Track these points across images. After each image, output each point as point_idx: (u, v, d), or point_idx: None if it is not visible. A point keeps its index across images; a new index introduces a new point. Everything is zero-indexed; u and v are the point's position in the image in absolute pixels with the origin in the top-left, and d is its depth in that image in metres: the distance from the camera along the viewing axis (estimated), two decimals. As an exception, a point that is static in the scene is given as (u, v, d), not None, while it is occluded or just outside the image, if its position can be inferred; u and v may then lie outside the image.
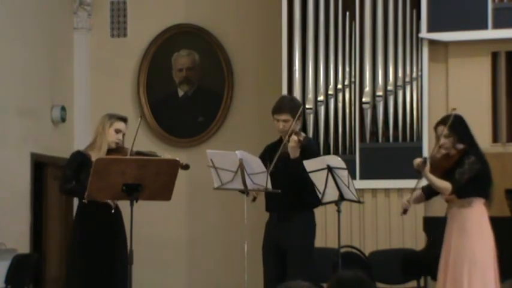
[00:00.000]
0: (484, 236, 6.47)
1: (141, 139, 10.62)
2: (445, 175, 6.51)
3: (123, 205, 6.45)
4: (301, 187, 6.44)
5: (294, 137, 6.37)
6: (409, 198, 6.64)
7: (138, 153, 6.70)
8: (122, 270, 6.65)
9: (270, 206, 6.64)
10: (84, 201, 6.59)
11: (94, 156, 6.65)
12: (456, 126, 6.56)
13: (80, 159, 6.72)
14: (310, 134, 9.08)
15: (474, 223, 6.48)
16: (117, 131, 6.75)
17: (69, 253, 6.84)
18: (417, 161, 6.50)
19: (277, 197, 6.33)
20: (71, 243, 6.83)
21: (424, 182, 6.71)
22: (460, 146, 6.55)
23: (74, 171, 6.74)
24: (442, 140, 6.53)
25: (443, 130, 6.54)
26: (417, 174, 6.57)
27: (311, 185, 6.41)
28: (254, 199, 6.33)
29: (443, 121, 6.66)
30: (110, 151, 6.73)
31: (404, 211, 6.64)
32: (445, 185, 6.46)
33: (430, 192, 6.73)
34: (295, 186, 6.44)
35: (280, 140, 6.62)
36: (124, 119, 6.85)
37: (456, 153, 6.52)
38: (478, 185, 6.48)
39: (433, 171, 6.46)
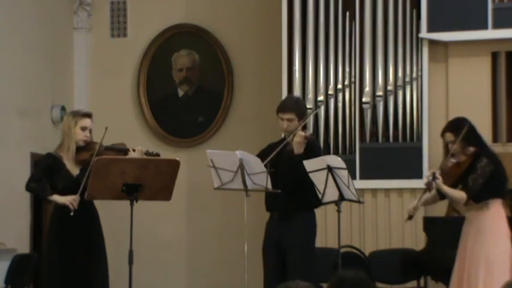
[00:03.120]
0: (500, 237, 6.41)
1: (141, 139, 10.69)
2: (459, 182, 6.46)
3: (123, 205, 6.44)
4: (302, 187, 6.44)
5: (301, 132, 6.38)
6: (415, 204, 6.57)
7: (108, 148, 6.66)
8: (101, 271, 6.67)
9: (271, 205, 6.64)
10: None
11: (65, 157, 6.67)
12: (457, 128, 6.51)
13: (51, 161, 6.70)
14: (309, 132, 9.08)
15: (491, 225, 6.43)
16: (83, 129, 6.68)
17: (47, 253, 6.83)
18: (426, 176, 6.42)
19: (278, 196, 6.33)
20: (47, 244, 6.83)
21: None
22: (471, 150, 6.47)
23: (41, 172, 6.76)
24: (451, 147, 6.47)
25: (451, 137, 6.49)
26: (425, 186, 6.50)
27: (312, 184, 6.41)
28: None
29: (449, 127, 6.61)
30: (79, 149, 6.70)
31: (410, 217, 6.59)
32: (459, 195, 6.40)
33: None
34: (296, 185, 6.44)
35: (283, 140, 6.62)
36: (88, 115, 6.77)
37: (467, 159, 6.45)
38: (493, 186, 6.41)
39: (446, 180, 6.40)
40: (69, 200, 6.48)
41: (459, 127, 6.52)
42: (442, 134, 6.60)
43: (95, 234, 6.73)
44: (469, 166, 6.43)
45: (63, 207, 6.56)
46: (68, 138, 6.68)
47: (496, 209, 6.45)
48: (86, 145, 6.69)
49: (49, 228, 6.85)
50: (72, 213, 6.46)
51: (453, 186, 6.45)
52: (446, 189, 6.40)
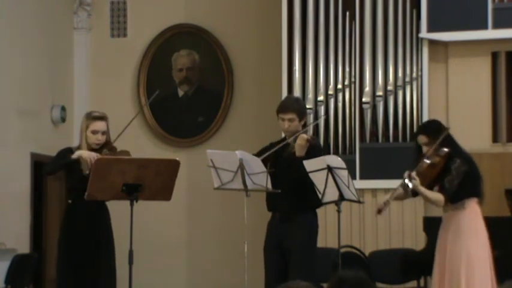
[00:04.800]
0: (478, 236, 6.45)
1: (141, 139, 10.70)
2: (434, 183, 6.48)
3: (123, 205, 6.44)
4: (302, 187, 6.44)
5: (304, 135, 6.37)
6: (386, 199, 6.59)
7: (111, 148, 6.64)
8: (108, 270, 6.67)
9: (272, 205, 6.63)
10: (69, 201, 6.66)
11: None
12: (433, 131, 6.53)
13: (70, 152, 6.70)
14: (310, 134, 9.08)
15: (468, 224, 6.45)
16: (94, 132, 6.67)
17: (58, 252, 6.85)
18: (403, 178, 6.46)
19: (279, 197, 6.33)
20: (58, 242, 6.84)
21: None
22: (444, 151, 6.49)
23: (62, 156, 6.72)
24: (425, 149, 6.51)
25: (424, 139, 6.51)
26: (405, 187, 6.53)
27: (312, 184, 6.41)
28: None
29: (422, 130, 6.64)
30: (93, 151, 6.68)
31: (379, 211, 6.62)
32: (437, 197, 6.42)
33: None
34: (296, 186, 6.44)
35: (284, 139, 6.62)
36: (100, 118, 6.74)
37: (441, 160, 6.47)
38: (468, 186, 6.43)
39: (421, 181, 6.42)
40: (90, 157, 6.46)
41: (432, 129, 6.54)
42: (415, 136, 6.63)
43: (105, 236, 6.72)
44: (443, 167, 6.44)
45: (74, 206, 6.57)
46: (82, 141, 6.70)
47: (472, 208, 6.47)
48: (99, 148, 6.68)
49: (60, 226, 6.84)
50: (87, 172, 6.44)
51: (428, 187, 6.47)
52: (423, 190, 6.41)
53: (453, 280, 6.40)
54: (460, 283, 6.36)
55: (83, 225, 6.61)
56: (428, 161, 6.45)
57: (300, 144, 6.38)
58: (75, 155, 6.55)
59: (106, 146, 6.69)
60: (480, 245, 6.43)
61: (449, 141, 6.53)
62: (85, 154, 6.53)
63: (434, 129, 6.55)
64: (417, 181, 6.37)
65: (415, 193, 6.63)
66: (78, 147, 6.75)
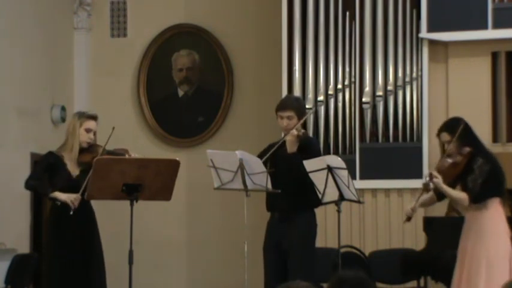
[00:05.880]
0: (500, 237, 6.40)
1: (141, 139, 10.71)
2: (455, 183, 6.46)
3: (123, 205, 6.44)
4: (302, 187, 6.44)
5: (293, 131, 6.38)
6: (413, 205, 6.58)
7: (109, 152, 6.66)
8: (98, 272, 6.68)
9: (271, 205, 6.63)
10: (58, 202, 6.66)
11: (67, 157, 6.69)
12: (453, 128, 6.50)
13: (52, 160, 6.72)
14: (310, 134, 9.08)
15: (490, 226, 6.41)
16: (88, 130, 6.72)
17: (45, 253, 6.85)
18: (424, 177, 6.46)
19: (278, 196, 6.33)
20: (47, 245, 6.85)
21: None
22: (466, 150, 6.47)
23: (42, 170, 6.75)
24: (447, 147, 6.47)
25: (446, 136, 6.49)
26: (425, 186, 6.53)
27: (312, 184, 6.41)
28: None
29: (445, 127, 6.60)
30: (82, 150, 6.71)
31: (408, 219, 6.60)
32: (461, 195, 6.39)
33: (442, 194, 6.64)
34: (296, 185, 6.44)
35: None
36: (94, 117, 6.81)
37: (463, 159, 6.45)
38: (491, 185, 6.39)
39: (443, 180, 6.39)
40: (71, 199, 6.50)
41: (455, 127, 6.52)
42: (438, 134, 6.61)
43: (92, 234, 6.75)
44: (465, 166, 6.42)
45: (61, 207, 6.59)
46: (72, 138, 6.71)
47: (494, 208, 6.44)
48: (89, 147, 6.70)
49: (47, 228, 6.86)
50: (71, 213, 6.47)
51: (449, 186, 6.45)
52: (446, 188, 6.39)
53: (471, 281, 6.36)
54: (478, 285, 6.32)
55: (72, 227, 6.62)
56: (450, 160, 6.43)
57: (290, 140, 6.39)
58: (52, 195, 6.59)
59: (94, 146, 6.71)
60: (501, 247, 6.39)
61: (471, 138, 6.49)
62: (63, 197, 6.55)
63: (454, 125, 6.52)
64: (439, 179, 6.34)
65: (440, 196, 6.60)
66: (64, 146, 6.75)
